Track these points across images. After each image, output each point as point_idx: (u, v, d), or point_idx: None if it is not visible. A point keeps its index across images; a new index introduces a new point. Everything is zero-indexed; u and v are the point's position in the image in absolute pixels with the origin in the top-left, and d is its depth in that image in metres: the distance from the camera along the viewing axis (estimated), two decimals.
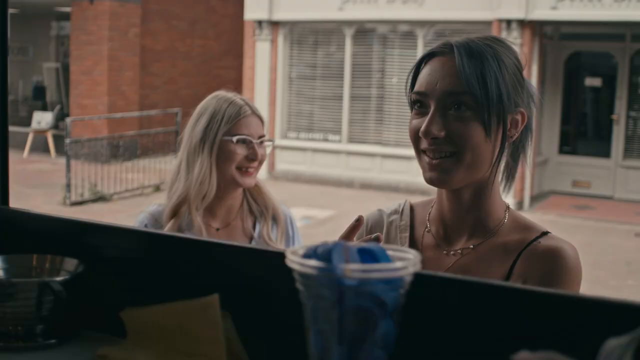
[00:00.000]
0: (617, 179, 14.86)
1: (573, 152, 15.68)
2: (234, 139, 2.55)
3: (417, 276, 1.01)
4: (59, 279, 1.37)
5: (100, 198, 13.64)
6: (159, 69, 19.06)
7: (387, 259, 1.05)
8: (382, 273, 1.01)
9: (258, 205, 2.69)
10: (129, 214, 11.30)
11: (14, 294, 1.36)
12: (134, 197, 13.73)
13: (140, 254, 1.39)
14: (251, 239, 2.63)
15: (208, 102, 2.64)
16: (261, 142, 2.62)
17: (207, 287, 1.25)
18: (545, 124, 15.34)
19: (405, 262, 1.02)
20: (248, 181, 2.60)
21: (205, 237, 2.49)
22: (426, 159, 1.61)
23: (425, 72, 1.63)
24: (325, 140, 16.28)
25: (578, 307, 0.94)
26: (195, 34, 20.00)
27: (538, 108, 1.73)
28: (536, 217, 13.31)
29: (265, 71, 16.48)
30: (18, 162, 17.56)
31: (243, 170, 2.58)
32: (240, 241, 2.56)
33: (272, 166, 16.46)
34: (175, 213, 2.55)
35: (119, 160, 14.78)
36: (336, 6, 15.66)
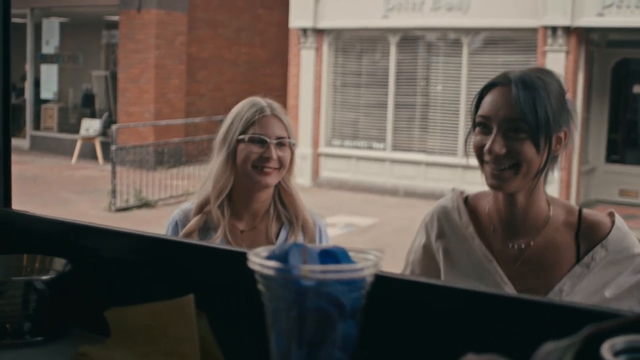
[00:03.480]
0: None
1: (620, 160, 15.47)
2: (247, 137, 2.58)
3: (378, 277, 1.01)
4: (44, 278, 1.39)
5: (145, 204, 13.77)
6: (205, 77, 19.20)
7: (349, 260, 1.06)
8: (340, 274, 1.01)
9: (288, 212, 2.70)
10: None
11: (1, 292, 1.39)
12: (179, 203, 13.80)
13: (126, 254, 1.41)
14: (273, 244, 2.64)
15: (236, 106, 2.69)
16: (280, 144, 2.62)
17: (185, 287, 1.26)
18: (592, 133, 15.16)
19: (364, 263, 1.03)
20: (265, 180, 2.60)
21: (227, 234, 2.55)
22: (488, 169, 1.98)
23: (488, 99, 2.01)
24: (370, 148, 16.26)
25: (525, 309, 0.94)
26: (241, 42, 20.12)
27: (579, 123, 2.11)
28: None
29: (310, 79, 16.52)
30: (66, 168, 17.80)
31: (259, 169, 2.60)
32: (262, 245, 2.56)
33: (316, 174, 16.49)
34: (199, 211, 2.62)
35: (164, 167, 14.92)
36: (381, 14, 15.65)
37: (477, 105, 2.05)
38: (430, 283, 1.03)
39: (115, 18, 18.82)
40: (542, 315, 0.92)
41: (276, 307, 1.04)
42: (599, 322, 0.78)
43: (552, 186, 14.77)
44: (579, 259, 2.01)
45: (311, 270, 1.00)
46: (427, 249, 2.16)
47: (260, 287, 1.03)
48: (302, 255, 1.03)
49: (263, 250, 1.06)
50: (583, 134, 14.51)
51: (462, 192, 2.21)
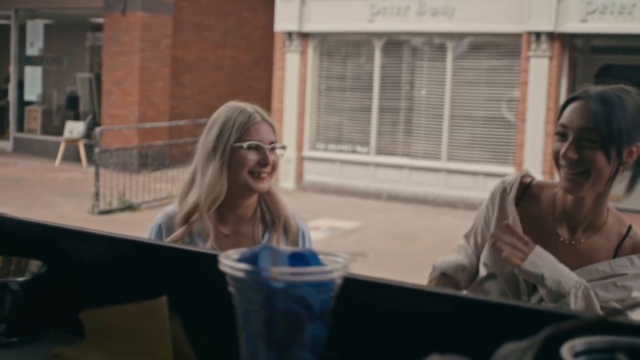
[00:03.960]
0: None
1: None
2: (245, 144, 2.59)
3: (347, 280, 1.03)
4: (19, 279, 1.40)
5: (129, 207, 13.73)
6: (189, 80, 19.18)
7: (318, 263, 1.07)
8: (310, 276, 1.02)
9: (271, 214, 2.72)
10: None
11: None
12: (162, 206, 13.72)
13: (101, 257, 1.42)
14: None
15: (220, 112, 2.69)
16: (273, 148, 2.65)
17: (159, 289, 1.28)
18: None
19: (334, 265, 1.04)
20: (261, 186, 2.63)
21: (213, 242, 2.55)
22: (563, 173, 2.19)
23: (568, 110, 2.22)
24: (354, 151, 16.29)
25: (487, 311, 0.95)
26: (227, 45, 20.11)
27: None
28: None
29: (295, 82, 16.53)
30: (49, 170, 17.74)
31: (255, 175, 2.62)
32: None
33: (300, 177, 16.50)
34: (186, 220, 2.60)
35: (148, 170, 14.89)
36: (366, 18, 15.69)
37: (560, 116, 2.26)
38: (396, 285, 1.05)
39: (100, 20, 18.77)
40: (503, 317, 0.94)
41: (246, 308, 1.05)
42: (559, 323, 0.80)
43: None
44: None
45: (281, 273, 1.01)
46: (487, 212, 2.45)
47: (231, 289, 1.04)
48: (272, 257, 1.04)
49: (234, 253, 1.07)
50: None
51: (527, 175, 2.43)
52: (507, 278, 2.31)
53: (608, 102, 2.16)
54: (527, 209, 2.37)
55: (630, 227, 2.31)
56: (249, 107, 2.68)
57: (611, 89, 2.21)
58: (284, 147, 2.74)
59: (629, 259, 2.25)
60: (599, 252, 2.28)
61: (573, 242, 2.30)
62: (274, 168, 2.66)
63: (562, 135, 2.22)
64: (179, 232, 2.59)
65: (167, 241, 2.56)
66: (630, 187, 2.28)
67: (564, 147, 2.18)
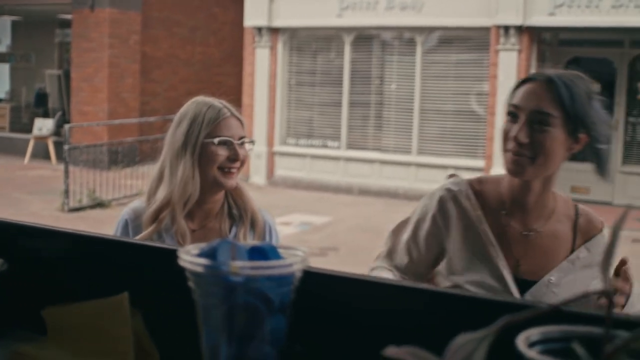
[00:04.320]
0: (616, 185, 14.83)
1: (572, 157, 15.61)
2: (216, 140, 2.59)
3: (306, 273, 1.03)
4: None
5: (99, 204, 13.66)
6: (159, 76, 19.10)
7: (278, 257, 1.07)
8: (268, 270, 1.02)
9: (238, 209, 2.72)
10: None
11: None
12: None
13: (63, 253, 1.41)
14: None
15: (187, 107, 2.68)
16: (242, 143, 2.65)
17: (120, 285, 1.27)
18: None
19: (293, 258, 1.04)
20: (230, 182, 2.63)
21: (187, 239, 2.54)
22: (509, 155, 2.13)
23: (521, 91, 2.18)
24: (324, 146, 16.30)
25: (443, 302, 0.96)
26: (196, 41, 20.04)
27: (608, 126, 2.25)
28: None
29: (265, 78, 16.51)
30: (19, 168, 17.61)
31: (225, 170, 2.62)
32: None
33: (271, 172, 16.49)
34: (156, 218, 2.58)
35: (118, 167, 14.83)
36: (335, 13, 15.69)
37: (512, 97, 2.20)
38: (353, 278, 1.05)
39: (69, 17, 18.65)
40: (459, 308, 0.95)
41: (206, 303, 1.05)
42: (514, 313, 0.80)
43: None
44: (572, 248, 2.24)
45: (240, 267, 1.01)
46: (435, 222, 2.30)
47: (190, 284, 1.04)
48: (231, 251, 1.04)
49: (193, 248, 1.07)
50: None
51: (465, 178, 2.36)
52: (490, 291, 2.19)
53: (570, 84, 2.13)
54: (482, 210, 2.28)
55: (577, 206, 2.30)
56: (217, 102, 2.67)
57: (569, 74, 2.19)
58: (252, 142, 2.74)
59: (585, 247, 2.25)
60: (558, 238, 2.25)
61: (531, 233, 2.25)
62: (243, 163, 2.66)
63: (512, 116, 2.17)
64: (149, 229, 2.57)
65: (138, 239, 2.53)
66: (602, 171, 2.25)
67: (514, 129, 2.14)
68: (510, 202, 2.25)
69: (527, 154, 2.10)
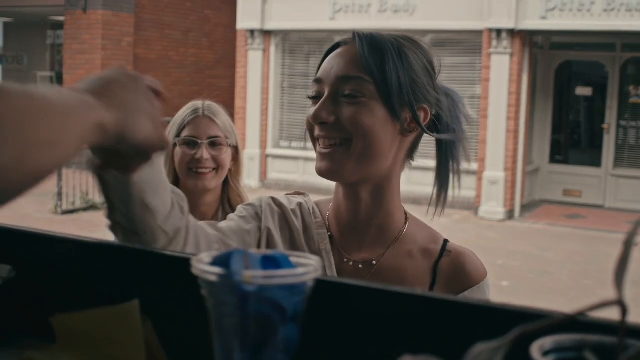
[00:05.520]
0: (608, 188, 14.89)
1: (564, 161, 15.73)
2: (179, 140, 2.58)
3: (319, 282, 1.04)
4: None
5: (92, 207, 13.65)
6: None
7: (290, 265, 1.08)
8: (282, 279, 1.03)
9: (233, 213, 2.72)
10: None
11: None
12: None
13: (71, 260, 1.42)
14: None
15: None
16: (213, 144, 2.62)
17: (131, 292, 1.28)
18: (536, 133, 15.39)
19: (306, 268, 1.05)
20: (200, 183, 2.60)
21: None
22: (318, 148, 1.58)
23: (326, 60, 1.62)
24: None
25: (458, 311, 0.97)
26: (189, 43, 20.03)
27: (465, 113, 1.75)
28: (527, 226, 13.39)
29: (258, 80, 16.51)
30: None
31: (193, 171, 2.58)
32: None
33: (264, 175, 16.49)
34: None
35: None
36: (327, 16, 15.71)
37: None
38: (367, 287, 1.07)
39: (61, 18, 18.62)
40: (474, 317, 0.96)
41: (219, 312, 1.06)
42: (528, 322, 0.81)
43: (497, 187, 14.88)
44: None
45: (253, 276, 1.02)
46: (254, 225, 1.69)
47: (203, 292, 1.05)
48: (244, 260, 1.05)
49: (206, 256, 1.08)
50: (527, 135, 14.72)
51: (304, 196, 1.82)
52: None
53: (381, 45, 1.55)
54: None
55: (446, 242, 1.69)
56: (200, 103, 2.67)
57: (389, 35, 1.60)
58: (230, 143, 2.69)
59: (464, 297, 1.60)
60: (405, 278, 1.62)
61: (361, 266, 1.63)
62: (219, 164, 2.61)
63: (316, 97, 1.59)
64: None
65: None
66: (442, 171, 1.74)
67: (314, 108, 1.57)
68: (336, 223, 1.68)
69: (337, 138, 1.53)
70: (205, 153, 2.60)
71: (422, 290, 1.34)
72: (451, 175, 1.76)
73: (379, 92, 1.52)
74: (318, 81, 1.59)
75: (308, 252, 1.63)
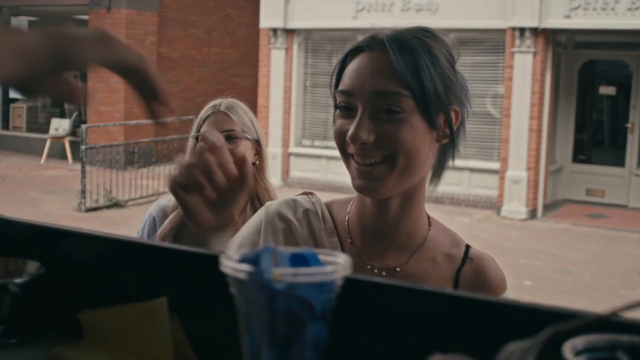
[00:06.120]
0: (632, 188, 14.80)
1: (587, 160, 15.65)
2: (195, 136, 2.69)
3: (348, 280, 1.04)
4: (17, 280, 1.40)
5: (115, 204, 13.72)
6: (175, 77, 19.16)
7: (319, 263, 1.08)
8: (311, 277, 1.03)
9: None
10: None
11: None
12: (149, 203, 13.77)
13: (100, 257, 1.43)
14: None
15: None
16: (229, 137, 2.66)
17: (158, 289, 1.28)
18: (559, 133, 15.32)
19: (335, 266, 1.05)
20: None
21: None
22: (354, 164, 1.50)
23: (351, 67, 1.51)
24: None
25: (489, 310, 0.97)
26: (212, 42, 20.10)
27: (471, 101, 1.61)
28: (549, 226, 13.33)
29: (280, 79, 16.54)
30: (35, 168, 17.69)
31: None
32: None
33: (286, 173, 16.51)
34: (175, 208, 2.66)
35: (134, 167, 14.88)
36: (350, 14, 15.71)
37: (338, 81, 1.54)
38: (396, 285, 1.06)
39: (85, 17, 18.73)
40: (505, 316, 0.96)
41: (248, 309, 1.06)
42: (560, 322, 0.81)
43: (519, 186, 14.85)
44: None
45: (282, 274, 1.02)
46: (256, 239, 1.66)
47: (232, 290, 1.05)
48: (273, 258, 1.05)
49: (235, 254, 1.08)
50: (550, 134, 14.65)
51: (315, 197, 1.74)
52: None
53: (411, 50, 1.46)
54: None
55: (468, 248, 1.64)
56: (221, 100, 2.75)
57: (409, 31, 1.51)
58: (248, 137, 2.72)
59: None
60: (429, 283, 1.58)
61: (384, 274, 1.59)
62: (240, 158, 2.64)
63: (345, 108, 1.49)
64: (168, 220, 2.63)
65: (160, 231, 2.60)
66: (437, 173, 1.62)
67: (352, 126, 1.46)
68: (359, 228, 1.62)
69: (378, 156, 1.46)
70: None
71: (448, 289, 1.33)
72: (450, 152, 1.62)
73: (417, 105, 1.45)
74: (347, 93, 1.49)
75: None
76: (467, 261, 1.61)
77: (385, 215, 1.57)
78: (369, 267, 1.60)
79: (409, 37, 1.48)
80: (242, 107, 2.76)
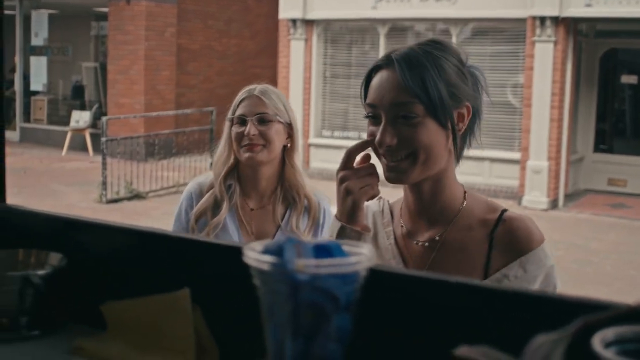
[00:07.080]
0: None
1: (609, 150, 15.54)
2: (233, 118, 2.82)
3: (372, 271, 1.03)
4: (40, 272, 1.41)
5: (136, 196, 13.76)
6: (195, 68, 19.18)
7: (343, 254, 1.07)
8: (334, 268, 1.02)
9: (291, 192, 2.83)
10: (164, 212, 11.39)
11: None
12: (169, 194, 13.82)
13: (122, 248, 1.43)
14: (278, 226, 2.83)
15: None
16: (262, 120, 2.78)
17: (181, 281, 1.28)
18: (580, 122, 15.22)
19: (358, 257, 1.04)
20: (250, 157, 2.77)
21: (238, 211, 2.82)
22: (384, 161, 1.81)
23: (373, 84, 1.83)
24: (360, 138, 16.21)
25: (516, 301, 0.96)
26: (231, 34, 20.09)
27: (486, 89, 1.92)
28: (570, 216, 13.27)
29: (300, 70, 16.52)
30: (56, 160, 17.77)
31: (244, 147, 2.77)
32: (269, 226, 2.84)
33: (307, 164, 16.50)
34: (210, 188, 2.84)
35: (154, 159, 14.91)
36: (370, 5, 15.65)
37: (366, 93, 1.85)
38: (422, 277, 1.05)
39: (105, 9, 18.77)
40: (533, 308, 0.94)
41: (271, 300, 1.05)
42: (590, 314, 0.80)
43: (540, 176, 14.76)
44: (488, 262, 1.80)
45: (306, 265, 1.02)
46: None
47: (255, 281, 1.04)
48: (296, 249, 1.04)
49: (258, 245, 1.07)
50: (571, 124, 14.56)
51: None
52: None
53: (418, 65, 1.75)
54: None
55: (502, 212, 1.86)
56: (255, 85, 2.89)
57: (419, 46, 1.80)
58: (280, 120, 2.83)
59: (520, 265, 1.78)
60: (467, 247, 1.84)
61: (427, 244, 1.87)
62: (267, 140, 2.77)
63: (373, 118, 1.82)
64: (202, 200, 2.80)
65: (194, 210, 2.80)
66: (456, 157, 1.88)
67: (378, 133, 1.78)
68: (407, 214, 1.93)
69: (402, 154, 1.77)
70: (252, 129, 2.76)
71: (474, 280, 1.33)
72: (468, 138, 1.93)
73: (427, 110, 1.75)
74: (372, 106, 1.81)
75: (379, 249, 1.94)
76: (500, 223, 1.84)
77: (421, 197, 1.88)
78: (415, 242, 1.90)
79: (418, 53, 1.79)
80: (275, 92, 2.89)
